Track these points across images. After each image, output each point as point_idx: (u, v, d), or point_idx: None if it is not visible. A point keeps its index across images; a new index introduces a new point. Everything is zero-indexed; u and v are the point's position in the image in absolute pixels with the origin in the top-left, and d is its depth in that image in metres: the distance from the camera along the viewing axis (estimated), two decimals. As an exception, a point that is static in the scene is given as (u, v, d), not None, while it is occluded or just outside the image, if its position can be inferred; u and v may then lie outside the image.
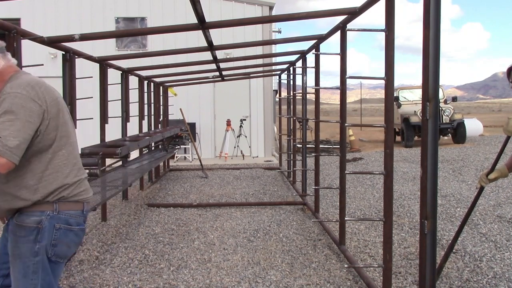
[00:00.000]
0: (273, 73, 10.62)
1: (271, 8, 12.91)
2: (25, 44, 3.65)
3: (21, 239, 2.02)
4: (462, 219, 3.22)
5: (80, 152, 4.23)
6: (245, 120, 12.58)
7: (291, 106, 8.20)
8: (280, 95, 10.90)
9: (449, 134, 14.88)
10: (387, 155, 3.15)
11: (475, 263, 3.90)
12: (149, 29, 9.51)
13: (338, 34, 4.19)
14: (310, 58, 10.49)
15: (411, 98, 16.22)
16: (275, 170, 9.97)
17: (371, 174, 8.52)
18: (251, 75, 10.04)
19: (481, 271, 3.72)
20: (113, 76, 6.12)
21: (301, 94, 6.52)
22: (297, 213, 6.01)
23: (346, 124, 4.04)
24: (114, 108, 6.14)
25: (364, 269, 3.70)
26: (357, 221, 5.35)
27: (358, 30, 3.48)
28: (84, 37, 4.12)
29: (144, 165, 6.47)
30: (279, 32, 16.62)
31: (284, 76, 9.18)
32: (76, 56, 4.60)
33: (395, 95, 15.28)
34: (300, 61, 6.57)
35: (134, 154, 6.63)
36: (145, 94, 7.96)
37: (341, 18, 4.03)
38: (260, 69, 11.11)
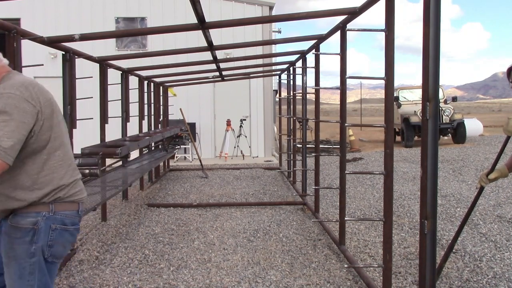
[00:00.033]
0: (273, 73, 10.62)
1: (271, 8, 12.91)
2: (25, 44, 3.65)
3: (16, 240, 2.00)
4: (462, 219, 3.22)
5: (80, 152, 4.26)
6: (245, 120, 12.58)
7: (291, 106, 8.20)
8: (280, 95, 10.90)
9: (449, 134, 14.88)
10: (387, 155, 3.15)
11: (475, 263, 3.90)
12: (149, 29, 9.51)
13: (338, 34, 4.19)
14: (310, 58, 10.50)
15: (411, 98, 16.22)
16: (275, 170, 9.97)
17: (371, 174, 8.52)
18: (251, 75, 10.04)
19: (481, 271, 3.72)
20: (113, 76, 6.12)
21: (301, 94, 6.52)
22: (297, 213, 6.01)
23: (346, 124, 4.04)
24: (114, 108, 6.14)
25: (364, 269, 3.70)
26: (357, 221, 5.35)
27: (358, 30, 3.48)
28: (84, 37, 4.11)
29: (144, 165, 6.47)
30: (279, 32, 16.63)
31: (284, 76, 9.18)
32: (76, 56, 4.60)
33: (395, 95, 15.28)
34: (300, 61, 6.57)
35: (134, 154, 6.63)
36: (145, 94, 7.96)
37: (341, 18, 4.03)
38: (260, 69, 11.11)
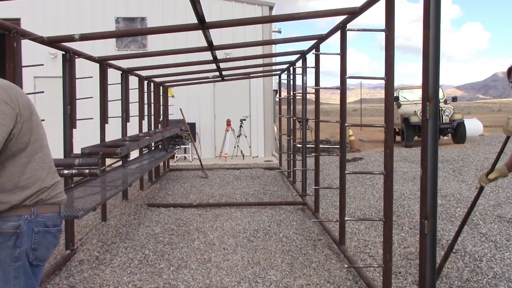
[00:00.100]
0: (273, 73, 10.62)
1: (271, 8, 12.91)
2: (25, 44, 3.65)
3: None
4: (462, 219, 3.23)
5: (80, 152, 4.26)
6: (245, 120, 12.58)
7: (291, 106, 8.20)
8: (280, 95, 10.90)
9: (449, 134, 14.88)
10: (387, 155, 3.15)
11: (475, 263, 3.90)
12: (149, 29, 9.51)
13: (338, 34, 4.19)
14: (310, 58, 10.48)
15: (411, 98, 16.23)
16: (275, 170, 9.97)
17: (371, 174, 8.52)
18: (251, 75, 10.04)
19: (481, 271, 3.72)
20: (113, 76, 6.12)
21: (301, 94, 6.52)
22: (297, 213, 6.01)
23: (346, 124, 4.04)
24: (114, 108, 6.14)
25: (364, 269, 3.70)
26: (357, 221, 5.35)
27: (358, 30, 3.48)
28: (84, 37, 4.11)
29: (144, 165, 6.47)
30: (279, 32, 16.62)
31: (284, 76, 9.18)
32: (76, 56, 4.60)
33: (395, 95, 15.28)
34: (300, 61, 6.57)
35: (134, 154, 6.64)
36: (145, 94, 7.96)
37: (341, 18, 4.03)
38: (260, 69, 11.11)
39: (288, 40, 6.04)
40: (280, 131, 10.47)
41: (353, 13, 3.73)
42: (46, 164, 2.09)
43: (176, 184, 8.36)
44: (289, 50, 6.52)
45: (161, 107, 9.39)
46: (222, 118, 12.71)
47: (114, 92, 6.31)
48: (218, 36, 10.31)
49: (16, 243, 1.98)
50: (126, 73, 6.72)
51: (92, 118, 5.29)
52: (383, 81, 3.15)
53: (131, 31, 11.35)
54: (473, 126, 16.79)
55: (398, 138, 15.93)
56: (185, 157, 12.53)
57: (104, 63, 5.66)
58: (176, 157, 12.27)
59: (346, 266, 3.93)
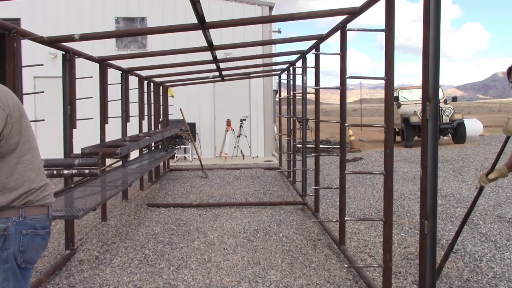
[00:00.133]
0: (273, 73, 10.62)
1: (271, 8, 12.91)
2: (25, 44, 3.65)
3: None
4: (462, 219, 3.23)
5: (80, 152, 4.26)
6: (245, 120, 12.58)
7: (291, 106, 8.20)
8: (280, 95, 10.90)
9: (449, 134, 14.88)
10: (387, 155, 3.15)
11: (475, 263, 3.90)
12: (149, 29, 9.52)
13: (338, 34, 4.19)
14: (310, 58, 10.49)
15: (411, 98, 16.23)
16: (275, 170, 9.97)
17: (371, 174, 8.52)
18: (251, 75, 10.04)
19: (481, 271, 3.72)
20: (113, 76, 6.12)
21: (301, 94, 6.52)
22: (297, 213, 6.01)
23: (346, 124, 4.04)
24: (114, 108, 6.14)
25: (364, 269, 3.70)
26: (357, 221, 5.35)
27: (358, 30, 3.48)
28: (84, 37, 4.11)
29: (144, 165, 6.47)
30: (279, 32, 16.62)
31: (284, 76, 9.18)
32: (76, 56, 4.60)
33: (395, 95, 15.29)
34: (300, 61, 6.57)
35: (134, 154, 6.63)
36: (145, 94, 7.96)
37: (341, 18, 4.03)
38: (260, 69, 11.11)
39: (288, 40, 6.04)
40: (280, 131, 10.47)
41: (353, 13, 3.73)
42: (35, 166, 2.07)
43: (176, 184, 8.36)
44: (289, 50, 6.52)
45: (161, 107, 9.39)
46: (222, 118, 12.71)
47: (114, 92, 6.31)
48: (218, 36, 10.30)
49: (4, 245, 1.96)
50: (126, 73, 6.72)
51: (92, 118, 5.29)
52: (383, 81, 3.15)
53: (131, 31, 11.36)
54: (473, 126, 16.80)
55: (398, 138, 15.93)
56: (185, 157, 12.53)
57: (104, 63, 5.66)
58: (176, 157, 12.27)
59: (346, 266, 3.93)
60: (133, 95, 7.09)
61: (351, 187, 7.55)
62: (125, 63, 6.64)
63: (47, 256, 4.37)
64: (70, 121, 4.47)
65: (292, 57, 7.18)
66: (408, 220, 5.40)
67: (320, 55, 5.16)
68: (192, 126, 12.32)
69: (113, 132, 6.53)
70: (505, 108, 70.81)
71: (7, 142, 1.95)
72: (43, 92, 4.65)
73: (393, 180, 3.15)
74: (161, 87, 9.22)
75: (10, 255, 1.97)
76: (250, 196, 7.20)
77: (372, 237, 4.75)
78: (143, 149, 7.51)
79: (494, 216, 5.40)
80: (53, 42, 4.07)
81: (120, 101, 6.64)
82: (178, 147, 9.54)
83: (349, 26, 3.95)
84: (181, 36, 11.79)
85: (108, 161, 5.82)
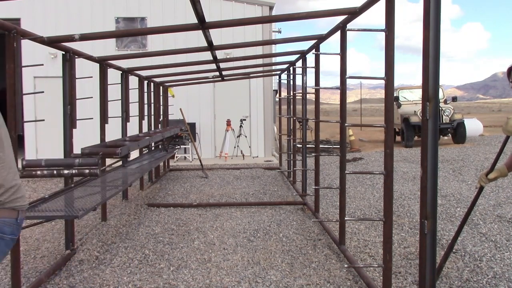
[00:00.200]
0: (273, 73, 10.62)
1: (271, 8, 12.91)
2: (25, 44, 3.65)
3: None
4: (462, 219, 3.23)
5: (80, 152, 4.26)
6: (245, 120, 12.58)
7: (291, 106, 8.20)
8: (280, 95, 10.90)
9: (449, 134, 14.89)
10: (387, 155, 3.15)
11: (475, 263, 3.90)
12: (149, 29, 9.51)
13: (338, 34, 4.19)
14: (310, 58, 10.50)
15: (411, 98, 16.23)
16: (275, 170, 9.97)
17: (371, 174, 8.52)
18: (251, 75, 10.04)
19: (481, 271, 3.72)
20: (113, 76, 6.12)
21: (301, 94, 6.52)
22: (297, 213, 6.01)
23: (346, 124, 4.04)
24: (114, 108, 6.14)
25: (364, 269, 3.71)
26: (357, 221, 5.35)
27: (358, 30, 3.48)
28: (84, 37, 4.11)
29: (144, 165, 6.47)
30: (279, 32, 16.63)
31: (284, 76, 9.18)
32: (76, 56, 4.60)
33: (395, 95, 15.29)
34: (300, 61, 6.57)
35: (134, 154, 6.63)
36: (145, 94, 7.96)
37: (341, 18, 4.03)
38: (260, 69, 11.11)
39: (288, 40, 6.04)
40: (280, 131, 10.47)
41: (353, 13, 3.73)
42: (6, 164, 2.02)
43: (176, 184, 8.35)
44: (289, 50, 6.52)
45: (161, 107, 9.39)
46: (222, 118, 12.71)
47: (114, 92, 6.31)
48: (218, 36, 10.31)
49: None
50: (126, 73, 6.72)
51: (92, 118, 5.29)
52: (383, 81, 3.15)
53: (131, 31, 11.35)
54: (473, 126, 16.80)
55: (398, 138, 15.94)
56: (185, 157, 12.53)
57: (104, 63, 5.66)
58: (176, 157, 12.27)
59: (346, 266, 3.93)
60: (133, 95, 7.09)
61: (351, 187, 7.55)
62: (125, 63, 6.64)
63: (47, 256, 4.37)
64: (70, 121, 4.47)
65: (292, 57, 7.18)
66: (408, 220, 5.40)
67: (320, 55, 5.16)
68: (192, 126, 12.33)
69: (113, 132, 6.53)
70: (505, 108, 70.81)
71: None
72: (43, 92, 4.65)
73: (393, 180, 3.15)
74: (161, 87, 9.22)
75: None
76: (250, 196, 7.20)
77: (372, 237, 4.75)
78: (143, 149, 7.51)
79: (494, 216, 5.40)
80: (53, 42, 4.07)
81: (120, 101, 6.64)
82: (178, 147, 9.54)
83: (349, 26, 3.95)
84: (181, 36, 11.79)
85: (108, 161, 5.82)
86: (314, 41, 5.29)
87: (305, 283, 3.61)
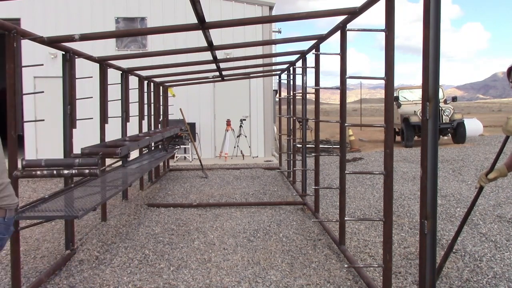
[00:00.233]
0: (273, 73, 10.62)
1: (271, 8, 12.91)
2: (25, 44, 3.65)
3: None
4: (462, 219, 3.23)
5: (80, 152, 4.26)
6: (245, 120, 12.58)
7: (291, 106, 8.20)
8: (280, 95, 10.90)
9: (449, 134, 14.89)
10: (387, 155, 3.15)
11: (475, 263, 3.90)
12: (149, 29, 9.51)
13: (338, 34, 4.19)
14: (310, 58, 10.49)
15: (411, 98, 16.23)
16: (275, 170, 9.97)
17: (371, 174, 8.52)
18: (251, 75, 10.04)
19: (481, 271, 3.72)
20: (113, 76, 6.12)
21: (301, 94, 6.52)
22: (297, 213, 6.01)
23: (346, 124, 4.04)
24: (114, 108, 6.14)
25: (364, 269, 3.71)
26: (357, 221, 5.35)
27: (358, 30, 3.48)
28: (84, 37, 4.11)
29: (144, 165, 6.47)
30: (279, 32, 16.64)
31: (284, 76, 9.18)
32: (76, 56, 4.60)
33: (395, 95, 15.29)
34: (300, 61, 6.57)
35: (134, 154, 6.63)
36: (145, 94, 7.96)
37: (341, 18, 4.03)
38: (260, 69, 11.10)
39: (288, 40, 6.04)
40: (280, 131, 10.47)
41: (353, 13, 3.73)
42: None
43: (176, 184, 8.35)
44: (289, 50, 6.52)
45: (161, 107, 9.39)
46: (222, 118, 12.71)
47: (114, 92, 6.31)
48: (218, 36, 10.31)
49: None
50: (126, 73, 6.72)
51: (92, 118, 5.29)
52: (383, 81, 3.15)
53: (131, 31, 11.35)
54: (473, 126, 16.81)
55: (398, 138, 15.94)
56: (185, 157, 12.53)
57: (104, 63, 5.66)
58: (176, 157, 12.27)
59: (346, 266, 3.93)
60: (133, 95, 7.09)
61: (351, 187, 7.55)
62: (125, 63, 6.64)
63: (47, 256, 4.37)
64: (70, 121, 4.47)
65: (292, 57, 7.18)
66: (408, 220, 5.40)
67: (320, 55, 5.16)
68: (192, 126, 12.33)
69: (113, 132, 6.53)
70: (505, 108, 70.82)
71: None
72: (43, 92, 4.65)
73: (393, 180, 3.15)
74: (161, 87, 9.22)
75: None
76: (250, 196, 7.20)
77: (372, 237, 4.75)
78: (143, 149, 7.51)
79: (494, 216, 5.40)
80: (53, 42, 4.07)
81: (120, 101, 6.64)
82: (178, 147, 9.53)
83: (349, 26, 3.95)
84: (181, 36, 11.79)
85: (108, 161, 5.82)
86: (314, 41, 5.29)
87: (305, 283, 3.61)
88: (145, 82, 7.99)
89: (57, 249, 4.59)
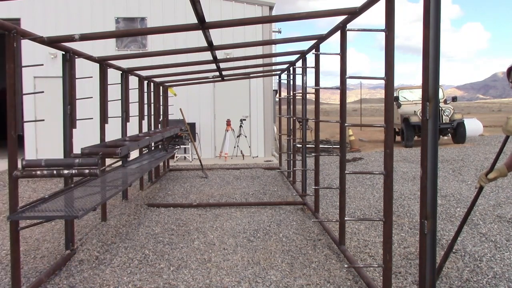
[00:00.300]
0: (273, 73, 10.62)
1: (271, 8, 12.92)
2: (25, 44, 3.65)
3: None
4: (461, 219, 3.23)
5: (80, 152, 4.26)
6: (245, 120, 12.58)
7: (291, 106, 8.20)
8: (280, 95, 10.90)
9: (449, 134, 14.90)
10: (387, 155, 3.15)
11: (475, 263, 3.90)
12: (149, 29, 9.51)
13: (338, 34, 4.19)
14: (310, 58, 10.48)
15: (411, 98, 16.24)
16: (275, 170, 9.97)
17: (371, 174, 8.52)
18: (251, 75, 10.04)
19: (481, 271, 3.72)
20: (113, 76, 6.12)
21: (301, 94, 6.52)
22: (297, 213, 6.01)
23: (346, 124, 4.04)
24: (114, 108, 6.14)
25: (364, 269, 3.70)
26: (357, 221, 5.35)
27: (358, 30, 3.48)
28: (84, 37, 4.11)
29: (144, 165, 6.47)
30: (279, 32, 16.65)
31: (284, 76, 9.18)
32: (76, 56, 4.60)
33: (395, 95, 15.29)
34: (300, 61, 6.57)
35: (134, 154, 6.63)
36: (145, 94, 7.96)
37: (341, 18, 4.03)
38: (260, 69, 11.11)
39: (288, 40, 6.04)
40: (280, 131, 10.47)
41: (353, 13, 3.73)
42: None
43: (176, 184, 8.35)
44: (289, 50, 6.52)
45: (161, 107, 9.39)
46: (222, 118, 12.72)
47: (114, 92, 6.31)
48: (218, 36, 10.31)
49: None
50: (126, 73, 6.72)
51: (92, 118, 5.29)
52: (383, 81, 3.15)
53: (131, 31, 11.34)
54: (473, 126, 16.82)
55: (398, 138, 15.94)
56: (185, 157, 12.53)
57: (104, 63, 5.66)
58: (176, 157, 12.27)
59: (346, 266, 3.93)
60: (133, 95, 7.09)
61: (351, 187, 7.55)
62: (125, 63, 6.64)
63: (47, 256, 4.37)
64: (70, 121, 4.47)
65: (292, 57, 7.18)
66: (408, 220, 5.40)
67: (320, 55, 5.16)
68: (192, 126, 12.33)
69: (113, 132, 6.53)
70: (505, 108, 70.83)
71: None
72: (43, 92, 4.64)
73: (393, 180, 3.15)
74: (161, 87, 9.22)
75: None
76: (250, 196, 7.20)
77: (372, 237, 4.75)
78: (143, 149, 7.51)
79: (494, 216, 5.40)
80: (53, 42, 4.07)
81: (120, 101, 6.64)
82: (178, 147, 9.53)
83: (349, 26, 3.95)
84: (181, 36, 11.80)
85: (108, 161, 5.82)
86: (314, 41, 5.29)
87: (305, 283, 3.61)
88: (145, 82, 7.99)
89: (57, 249, 4.59)
